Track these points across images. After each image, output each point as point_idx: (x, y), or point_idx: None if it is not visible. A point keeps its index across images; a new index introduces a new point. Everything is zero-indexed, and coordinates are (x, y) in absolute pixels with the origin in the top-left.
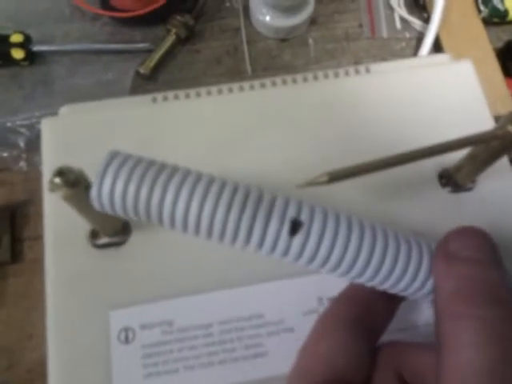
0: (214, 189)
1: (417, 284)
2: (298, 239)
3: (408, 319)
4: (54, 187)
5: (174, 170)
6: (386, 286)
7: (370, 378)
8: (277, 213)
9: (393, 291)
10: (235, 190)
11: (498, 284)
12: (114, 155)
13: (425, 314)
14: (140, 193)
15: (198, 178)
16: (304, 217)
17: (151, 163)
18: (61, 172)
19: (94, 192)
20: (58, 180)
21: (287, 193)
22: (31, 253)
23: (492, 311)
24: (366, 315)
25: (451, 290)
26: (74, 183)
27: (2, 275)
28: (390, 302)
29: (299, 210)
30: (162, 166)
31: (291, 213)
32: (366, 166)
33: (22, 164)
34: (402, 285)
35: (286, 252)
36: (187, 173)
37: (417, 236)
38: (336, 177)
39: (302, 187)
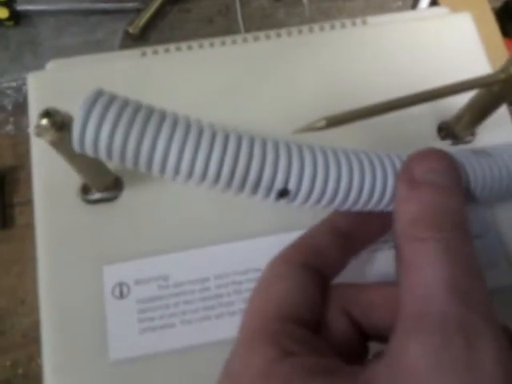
0: (206, 135)
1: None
2: (284, 200)
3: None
4: (41, 131)
5: (164, 113)
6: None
7: (321, 318)
8: (264, 184)
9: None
10: (226, 143)
11: (458, 210)
12: (98, 93)
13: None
14: (129, 136)
15: (188, 124)
16: (292, 184)
17: (140, 105)
18: (47, 113)
19: (76, 132)
20: (45, 122)
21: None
22: (22, 218)
23: (452, 233)
24: (317, 261)
25: (413, 215)
26: (62, 125)
27: None
28: (343, 253)
29: (287, 179)
30: (152, 109)
31: (278, 184)
32: (365, 110)
33: (10, 128)
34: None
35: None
36: (177, 118)
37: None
38: (334, 122)
39: (299, 132)
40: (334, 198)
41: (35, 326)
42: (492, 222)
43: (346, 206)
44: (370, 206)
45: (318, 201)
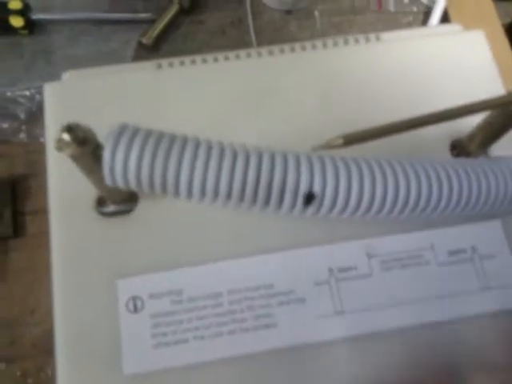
0: (228, 157)
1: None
2: (312, 208)
3: None
4: (62, 145)
5: (186, 139)
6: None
7: None
8: (289, 189)
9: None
10: (248, 159)
11: None
12: (123, 128)
13: None
14: (155, 164)
15: (210, 146)
16: (316, 187)
17: (161, 134)
18: (69, 128)
19: (105, 167)
20: (66, 136)
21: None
22: (33, 227)
23: None
24: None
25: None
26: (84, 141)
27: (3, 250)
28: None
29: (311, 182)
30: (173, 136)
31: (304, 188)
32: (381, 129)
33: (23, 136)
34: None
35: (301, 215)
36: (198, 142)
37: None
38: (350, 140)
39: (316, 150)
40: (361, 197)
41: (45, 336)
42: (504, 241)
43: (372, 213)
44: (395, 214)
45: (345, 205)
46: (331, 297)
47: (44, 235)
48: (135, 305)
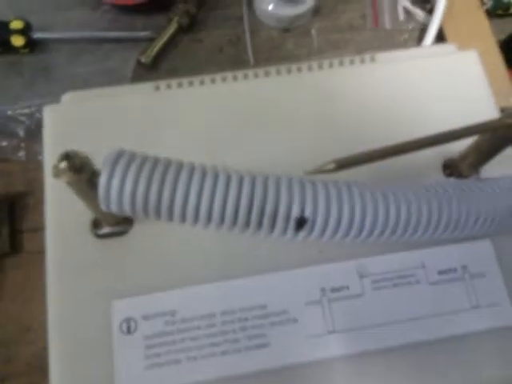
0: (221, 182)
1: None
2: (303, 232)
3: None
4: (58, 172)
5: (180, 165)
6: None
7: None
8: (281, 213)
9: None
10: (241, 184)
11: None
12: (119, 155)
13: None
14: (149, 193)
15: (204, 172)
16: (308, 211)
17: (156, 161)
18: (67, 156)
19: (101, 194)
20: (63, 165)
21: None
22: (30, 245)
23: None
24: None
25: None
26: (80, 168)
27: (0, 267)
28: None
29: (303, 207)
30: (168, 163)
31: (296, 212)
32: (373, 153)
33: (22, 154)
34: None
35: (293, 238)
36: (193, 168)
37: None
38: (343, 164)
39: (309, 174)
40: (351, 221)
41: (39, 355)
42: (494, 260)
43: (362, 237)
44: (385, 237)
45: (336, 228)
46: (323, 316)
47: (41, 253)
48: (129, 326)
